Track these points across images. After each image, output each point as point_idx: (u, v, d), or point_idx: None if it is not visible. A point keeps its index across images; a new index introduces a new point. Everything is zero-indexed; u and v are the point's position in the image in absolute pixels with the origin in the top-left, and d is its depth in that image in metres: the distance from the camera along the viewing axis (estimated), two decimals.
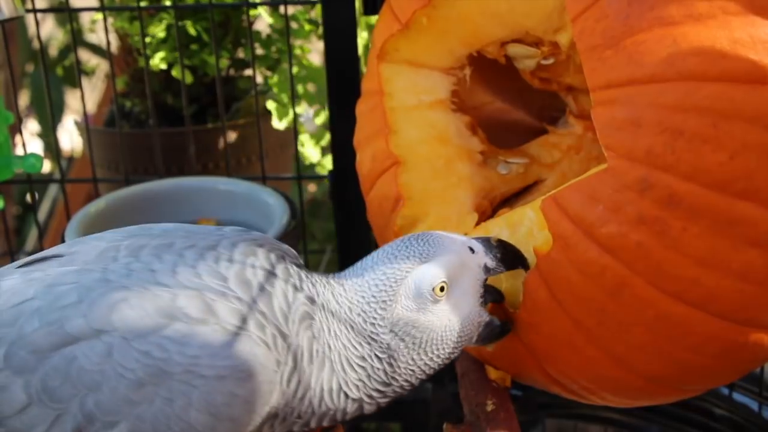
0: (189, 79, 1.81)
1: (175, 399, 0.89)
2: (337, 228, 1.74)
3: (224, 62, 2.00)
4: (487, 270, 1.04)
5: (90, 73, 2.93)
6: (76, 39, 1.77)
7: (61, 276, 0.96)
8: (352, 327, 0.99)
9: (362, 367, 1.00)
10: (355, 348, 1.00)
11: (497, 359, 1.19)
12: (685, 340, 1.01)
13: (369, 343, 0.99)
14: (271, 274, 0.99)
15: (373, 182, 1.27)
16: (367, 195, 1.29)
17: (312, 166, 1.95)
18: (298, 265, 1.04)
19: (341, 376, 0.99)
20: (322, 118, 1.92)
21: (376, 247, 1.67)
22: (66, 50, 3.19)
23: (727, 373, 1.10)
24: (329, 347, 0.99)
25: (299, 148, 1.85)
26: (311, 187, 2.94)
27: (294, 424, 1.01)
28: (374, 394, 1.02)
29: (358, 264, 1.05)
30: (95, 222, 1.51)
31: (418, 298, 0.99)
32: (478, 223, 1.21)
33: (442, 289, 1.00)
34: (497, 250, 1.05)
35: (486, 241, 1.05)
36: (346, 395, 1.00)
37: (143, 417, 0.89)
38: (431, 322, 1.00)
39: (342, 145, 1.60)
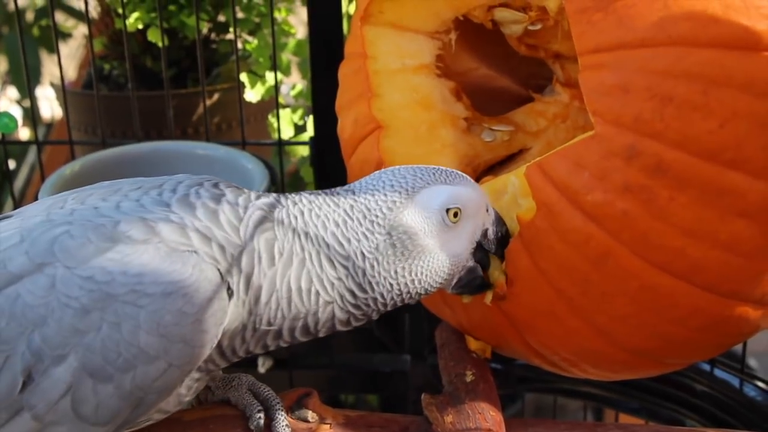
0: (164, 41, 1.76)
1: (122, 322, 0.86)
2: None
3: (204, 25, 1.95)
4: (484, 235, 1.03)
5: (67, 35, 2.87)
6: (54, 1, 1.72)
7: (4, 227, 0.94)
8: (345, 221, 0.96)
9: (344, 266, 0.96)
10: (342, 244, 0.96)
11: (478, 329, 1.17)
12: (669, 312, 1.00)
13: (359, 240, 0.96)
14: (219, 195, 0.96)
15: (354, 147, 1.24)
16: (349, 160, 1.27)
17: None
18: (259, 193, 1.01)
19: (316, 271, 0.96)
20: (299, 90, 1.89)
21: None
22: (42, 12, 3.12)
23: (711, 347, 1.09)
24: (300, 246, 0.95)
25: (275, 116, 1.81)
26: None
27: (266, 335, 0.97)
28: (347, 295, 0.97)
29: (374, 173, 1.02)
30: (70, 185, 1.45)
31: (428, 212, 0.97)
32: None
33: (455, 215, 0.98)
34: (500, 231, 1.04)
35: (499, 217, 1.04)
36: (318, 294, 0.96)
37: (92, 346, 0.86)
38: (428, 244, 0.98)
39: (324, 111, 1.57)
